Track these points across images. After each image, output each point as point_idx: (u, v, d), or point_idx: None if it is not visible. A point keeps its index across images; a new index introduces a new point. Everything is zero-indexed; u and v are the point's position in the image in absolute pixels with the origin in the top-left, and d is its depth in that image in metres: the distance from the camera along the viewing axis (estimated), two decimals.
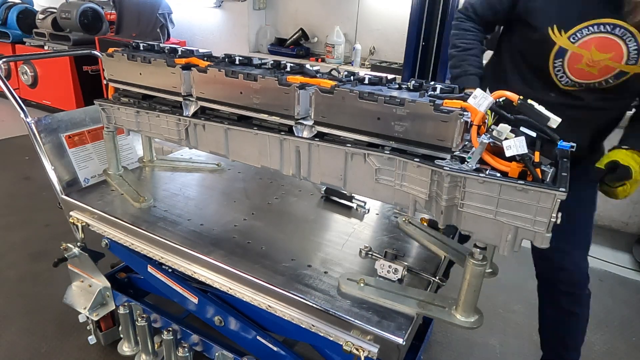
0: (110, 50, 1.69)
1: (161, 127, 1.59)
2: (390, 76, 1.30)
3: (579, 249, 1.68)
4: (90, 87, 5.22)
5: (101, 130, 1.91)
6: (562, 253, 1.62)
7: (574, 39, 1.39)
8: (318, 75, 1.36)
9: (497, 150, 1.04)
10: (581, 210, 1.64)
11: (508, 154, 0.98)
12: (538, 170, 0.98)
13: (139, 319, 1.74)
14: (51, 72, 5.34)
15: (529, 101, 1.03)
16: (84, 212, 1.78)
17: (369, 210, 1.82)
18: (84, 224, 1.76)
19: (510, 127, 1.00)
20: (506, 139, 0.99)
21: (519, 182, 0.96)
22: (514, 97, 1.02)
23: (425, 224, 1.67)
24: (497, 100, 1.05)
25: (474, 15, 1.68)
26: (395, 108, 1.09)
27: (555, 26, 1.41)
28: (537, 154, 0.99)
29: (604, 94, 1.47)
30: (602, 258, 3.03)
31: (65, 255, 1.88)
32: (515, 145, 0.97)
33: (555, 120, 1.00)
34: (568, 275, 1.67)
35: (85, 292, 1.92)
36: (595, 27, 1.36)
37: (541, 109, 1.02)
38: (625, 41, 1.34)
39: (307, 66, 1.41)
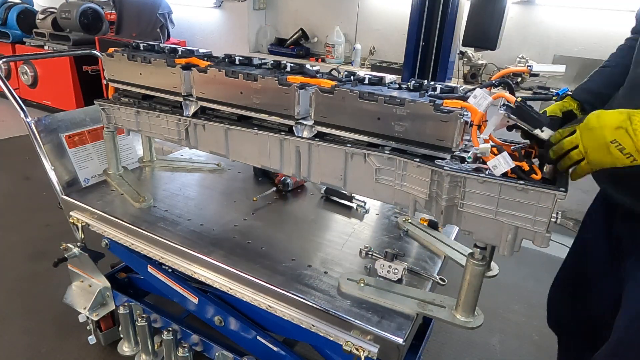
0: (110, 50, 1.69)
1: (161, 127, 1.59)
2: (390, 76, 1.30)
3: None
4: (90, 87, 5.21)
5: (101, 130, 1.91)
6: None
7: None
8: (318, 75, 1.35)
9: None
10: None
11: (497, 173, 0.97)
12: (536, 175, 0.98)
13: (139, 319, 1.74)
14: (51, 72, 5.34)
15: (529, 102, 1.02)
16: (84, 212, 1.78)
17: (369, 210, 1.82)
18: (84, 224, 1.76)
19: (490, 146, 0.98)
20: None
21: (519, 182, 0.96)
22: (511, 98, 1.02)
23: (425, 224, 1.67)
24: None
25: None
26: (395, 108, 1.09)
27: None
28: (524, 164, 0.99)
29: None
30: None
31: (65, 255, 1.89)
32: (501, 163, 0.97)
33: (548, 132, 1.00)
34: None
35: (85, 292, 1.92)
36: None
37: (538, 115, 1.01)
38: None
39: (307, 66, 1.41)
